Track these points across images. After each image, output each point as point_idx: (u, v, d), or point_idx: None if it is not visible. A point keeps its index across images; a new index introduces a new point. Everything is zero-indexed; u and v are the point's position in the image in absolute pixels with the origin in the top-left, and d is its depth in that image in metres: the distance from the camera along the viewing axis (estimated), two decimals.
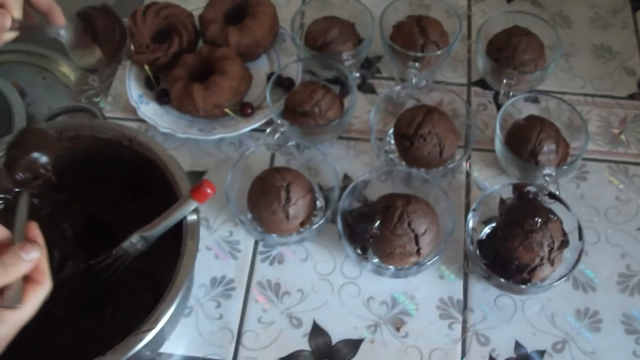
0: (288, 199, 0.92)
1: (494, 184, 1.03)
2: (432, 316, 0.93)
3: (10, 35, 0.73)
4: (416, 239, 0.89)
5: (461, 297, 0.95)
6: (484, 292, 0.95)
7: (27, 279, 0.64)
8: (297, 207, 0.93)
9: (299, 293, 0.95)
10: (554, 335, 0.92)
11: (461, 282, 0.96)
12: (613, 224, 1.00)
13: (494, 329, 0.93)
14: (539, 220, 0.89)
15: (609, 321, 0.93)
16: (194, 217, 0.85)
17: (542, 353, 0.91)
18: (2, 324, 0.60)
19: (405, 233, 0.88)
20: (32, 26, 0.78)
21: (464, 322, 0.93)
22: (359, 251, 0.93)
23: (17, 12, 0.71)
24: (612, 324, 0.93)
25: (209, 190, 0.84)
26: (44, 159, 0.77)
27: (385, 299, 0.95)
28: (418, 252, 0.89)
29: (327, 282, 0.96)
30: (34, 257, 0.63)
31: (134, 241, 0.87)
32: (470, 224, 0.93)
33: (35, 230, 0.67)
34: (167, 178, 0.89)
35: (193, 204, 0.84)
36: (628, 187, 1.03)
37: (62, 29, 0.81)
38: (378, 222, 0.90)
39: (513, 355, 0.91)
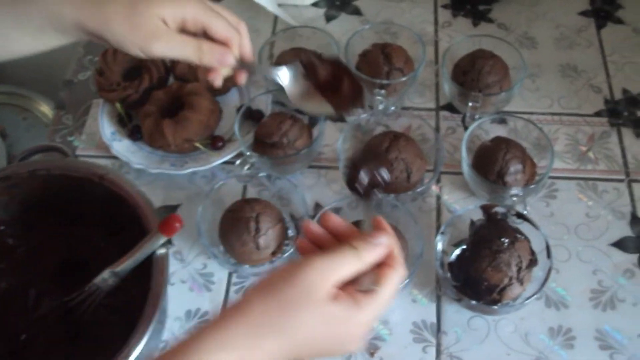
0: (258, 229, 0.93)
1: (464, 206, 1.04)
2: (406, 340, 0.94)
3: (227, 71, 0.76)
4: None
5: (434, 320, 0.95)
6: (457, 315, 0.95)
7: (381, 265, 0.63)
8: (267, 237, 0.94)
9: None
10: (528, 354, 0.92)
11: (434, 305, 0.96)
12: (584, 241, 1.01)
13: (468, 350, 0.93)
14: (506, 241, 0.89)
15: (583, 338, 0.93)
16: (163, 250, 0.86)
17: None
18: (362, 309, 0.59)
19: None
20: (250, 64, 0.79)
21: (438, 345, 0.93)
22: None
23: (236, 50, 0.74)
24: (585, 341, 0.93)
25: (176, 224, 0.85)
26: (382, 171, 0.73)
27: None
28: None
29: None
30: (383, 242, 0.63)
31: (105, 277, 0.88)
32: (439, 246, 0.94)
33: (383, 222, 0.66)
34: (137, 214, 0.90)
35: (162, 238, 0.85)
36: (597, 204, 1.04)
37: (280, 70, 0.80)
38: None
39: None
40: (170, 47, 0.70)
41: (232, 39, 0.73)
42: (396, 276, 0.63)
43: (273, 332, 0.57)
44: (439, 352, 0.93)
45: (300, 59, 0.80)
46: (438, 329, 0.94)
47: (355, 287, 0.61)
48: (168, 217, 0.85)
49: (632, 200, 1.04)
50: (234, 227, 0.94)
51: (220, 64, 0.73)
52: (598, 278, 0.98)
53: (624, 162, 1.08)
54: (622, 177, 1.07)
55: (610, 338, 0.93)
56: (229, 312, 0.59)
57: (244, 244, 0.93)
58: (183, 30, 0.71)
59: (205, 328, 0.58)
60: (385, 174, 0.71)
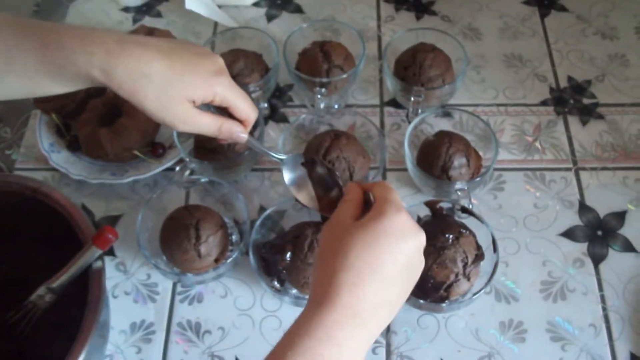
0: (198, 236, 0.91)
1: (410, 202, 1.02)
2: None
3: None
4: None
5: None
6: (406, 313, 0.93)
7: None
8: (209, 245, 0.91)
9: (220, 331, 0.93)
10: (479, 350, 0.91)
11: None
12: (532, 232, 1.00)
13: (418, 349, 0.91)
14: (450, 236, 0.88)
15: (534, 330, 0.92)
16: (99, 264, 0.83)
17: None
18: (384, 211, 0.66)
19: None
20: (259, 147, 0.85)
21: (388, 345, 0.91)
22: (276, 284, 0.92)
23: (249, 128, 0.82)
24: (537, 333, 0.92)
25: (110, 236, 0.82)
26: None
27: None
28: None
29: (248, 317, 0.94)
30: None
31: (41, 293, 0.85)
32: None
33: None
34: (72, 227, 0.87)
35: (96, 252, 0.82)
36: (545, 194, 1.03)
37: (284, 156, 0.85)
38: (289, 253, 0.89)
39: None
40: (194, 129, 0.77)
41: (250, 119, 0.81)
42: (378, 184, 0.70)
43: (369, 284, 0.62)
44: (389, 353, 0.91)
45: (304, 153, 0.90)
46: (387, 329, 0.92)
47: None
48: (101, 230, 0.82)
49: (580, 188, 1.03)
50: (174, 235, 0.92)
51: (233, 142, 0.81)
52: (548, 269, 0.97)
53: (570, 150, 1.07)
54: (570, 165, 1.06)
55: (562, 329, 0.92)
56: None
57: (185, 252, 0.91)
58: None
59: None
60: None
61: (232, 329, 0.93)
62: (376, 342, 0.91)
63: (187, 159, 0.98)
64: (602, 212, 1.01)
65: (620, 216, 1.01)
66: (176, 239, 0.91)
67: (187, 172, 0.99)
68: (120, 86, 0.71)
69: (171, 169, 1.04)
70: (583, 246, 0.98)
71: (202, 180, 1.00)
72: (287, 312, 0.94)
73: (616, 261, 0.97)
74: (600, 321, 0.93)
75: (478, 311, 0.93)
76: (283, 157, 0.85)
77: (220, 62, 0.78)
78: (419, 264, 0.66)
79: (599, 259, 0.97)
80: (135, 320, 0.95)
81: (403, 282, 0.64)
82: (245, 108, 0.79)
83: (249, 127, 0.82)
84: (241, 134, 0.81)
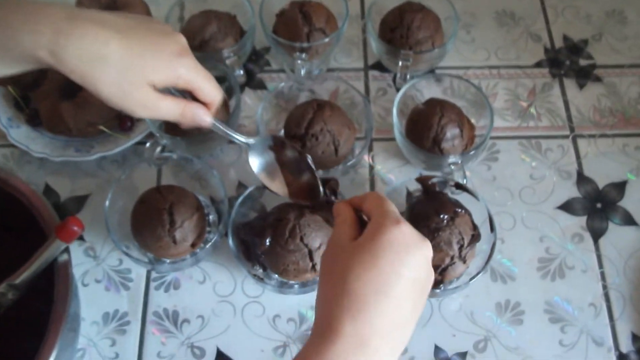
0: (172, 222, 0.84)
1: (399, 176, 0.96)
2: None
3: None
4: (310, 254, 0.81)
5: None
6: None
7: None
8: (184, 230, 0.84)
9: (199, 319, 0.87)
10: (475, 334, 0.86)
11: None
12: (529, 205, 0.94)
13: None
14: (445, 217, 0.82)
15: (532, 312, 0.87)
16: (64, 257, 0.76)
17: (463, 355, 0.85)
18: (383, 224, 0.61)
19: (297, 248, 0.81)
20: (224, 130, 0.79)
21: None
22: (257, 269, 0.85)
23: (214, 112, 0.77)
24: (535, 315, 0.87)
25: (75, 228, 0.75)
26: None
27: (292, 316, 0.87)
28: (313, 267, 0.82)
29: (229, 303, 0.88)
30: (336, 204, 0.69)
31: (3, 291, 0.77)
32: None
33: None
34: (34, 216, 0.80)
35: (61, 245, 0.75)
36: (542, 163, 0.97)
37: (251, 140, 0.80)
38: (269, 238, 0.82)
39: None
40: (155, 114, 0.71)
41: (215, 102, 0.76)
42: (369, 197, 0.64)
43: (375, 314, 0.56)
44: None
45: (273, 135, 0.83)
46: None
47: None
48: (65, 222, 0.75)
49: (578, 157, 0.98)
50: (146, 221, 0.84)
51: (197, 126, 0.76)
52: (545, 245, 0.91)
53: (567, 116, 1.01)
54: (567, 132, 1.00)
55: (561, 309, 0.87)
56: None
57: (159, 239, 0.84)
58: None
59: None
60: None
61: (212, 317, 0.87)
62: None
63: (158, 135, 0.90)
64: (601, 182, 0.96)
65: (620, 187, 0.95)
66: (149, 225, 0.84)
67: (159, 149, 0.91)
68: (72, 69, 0.64)
69: (141, 142, 0.96)
70: (582, 220, 0.93)
71: (175, 156, 0.93)
72: (271, 297, 0.88)
73: (616, 235, 0.92)
74: (600, 300, 0.88)
75: (473, 292, 0.88)
76: (250, 141, 0.79)
77: (183, 41, 0.72)
78: (429, 276, 0.60)
79: (599, 234, 0.92)
80: (108, 310, 0.89)
81: (413, 299, 0.58)
82: (210, 90, 0.74)
83: (214, 110, 0.77)
84: (206, 118, 0.75)
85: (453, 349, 0.85)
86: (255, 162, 0.81)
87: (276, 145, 0.81)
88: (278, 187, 0.81)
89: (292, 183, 0.81)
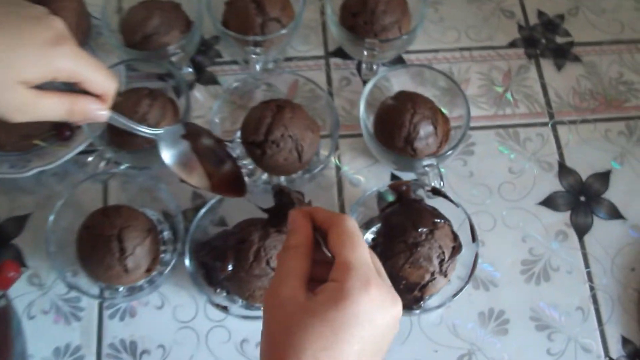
0: (122, 249, 0.75)
1: (368, 176, 0.88)
2: None
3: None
4: None
5: None
6: None
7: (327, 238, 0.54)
8: (136, 257, 0.76)
9: (160, 350, 0.80)
10: (458, 348, 0.80)
11: None
12: (509, 202, 0.88)
13: (390, 352, 0.78)
14: (424, 231, 0.75)
15: (517, 320, 0.82)
16: (3, 302, 0.68)
17: None
18: (345, 284, 0.50)
19: (264, 273, 0.73)
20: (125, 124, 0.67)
21: None
22: (221, 292, 0.78)
23: (110, 103, 0.64)
24: (520, 323, 0.82)
25: (11, 274, 0.67)
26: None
27: None
28: None
29: (191, 330, 0.81)
30: (292, 218, 0.57)
31: None
32: None
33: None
34: None
35: None
36: (521, 155, 0.90)
37: (159, 130, 0.69)
38: (231, 262, 0.74)
39: None
40: (35, 116, 0.59)
41: (109, 92, 0.63)
42: (336, 228, 0.53)
43: None
44: None
45: (184, 121, 0.72)
46: None
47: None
48: (1, 266, 0.66)
49: (559, 147, 0.91)
50: (92, 249, 0.76)
51: (91, 121, 0.64)
52: (528, 246, 0.85)
53: (546, 101, 0.94)
54: (546, 119, 0.93)
55: (547, 316, 0.82)
56: None
57: (109, 268, 0.75)
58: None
59: None
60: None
61: (174, 346, 0.80)
62: None
63: (100, 148, 0.81)
64: (585, 173, 0.90)
65: (604, 177, 0.89)
66: (96, 254, 0.75)
67: (103, 163, 0.81)
68: None
69: (84, 152, 0.86)
70: (565, 216, 0.87)
71: (122, 168, 0.83)
72: (236, 320, 0.80)
73: (602, 231, 0.87)
74: (588, 303, 0.83)
75: (454, 303, 0.80)
76: (158, 131, 0.68)
77: (60, 25, 0.59)
78: (392, 333, 0.52)
79: (584, 230, 0.86)
80: (59, 344, 0.80)
81: None
82: (101, 80, 0.62)
83: (110, 101, 0.64)
84: (100, 112, 0.63)
85: None
86: (167, 154, 0.70)
87: (190, 134, 0.70)
88: (198, 180, 0.71)
89: (214, 174, 0.71)
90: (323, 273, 0.51)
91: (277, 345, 0.49)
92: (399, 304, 0.51)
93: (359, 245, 0.51)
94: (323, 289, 0.49)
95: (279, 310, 0.50)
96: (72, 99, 0.61)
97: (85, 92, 0.61)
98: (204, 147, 0.70)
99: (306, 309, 0.48)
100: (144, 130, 0.67)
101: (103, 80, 0.62)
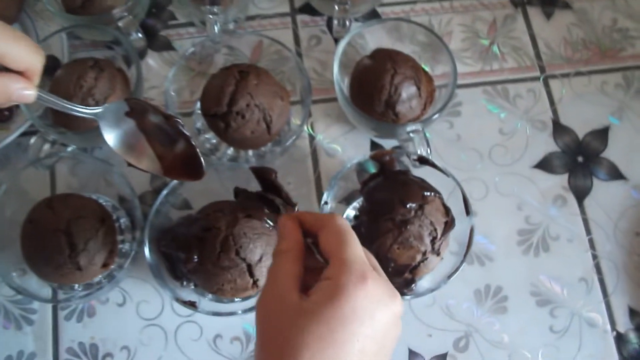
0: (72, 245, 0.66)
1: (345, 144, 0.80)
2: None
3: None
4: (249, 269, 0.65)
5: None
6: None
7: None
8: (89, 252, 0.67)
9: (124, 352, 0.71)
10: (453, 330, 0.73)
11: None
12: (501, 167, 0.80)
13: None
14: (412, 206, 0.66)
15: (516, 296, 0.75)
16: None
17: (443, 357, 0.73)
18: (339, 286, 0.47)
19: (233, 264, 0.64)
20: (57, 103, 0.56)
21: None
22: (189, 285, 0.69)
23: (38, 80, 0.54)
24: (520, 299, 0.75)
25: None
26: None
27: (237, 334, 0.72)
28: (255, 284, 0.66)
29: (158, 327, 0.72)
30: (282, 223, 0.54)
31: None
32: (327, 210, 0.70)
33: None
34: None
35: None
36: (512, 114, 0.82)
37: (97, 109, 0.59)
38: (195, 254, 0.65)
39: None
40: None
41: (34, 67, 0.53)
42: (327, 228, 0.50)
43: None
44: None
45: (128, 97, 0.61)
46: None
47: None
48: None
49: (552, 103, 0.83)
50: (38, 247, 0.66)
51: (16, 103, 0.54)
52: (525, 214, 0.78)
53: (535, 53, 0.86)
54: (537, 74, 0.85)
55: (548, 290, 0.75)
56: None
57: (58, 268, 0.66)
58: None
59: None
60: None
61: (140, 346, 0.72)
62: None
63: (42, 130, 0.71)
64: (581, 131, 0.82)
65: (602, 135, 0.82)
66: (42, 252, 0.66)
67: (47, 145, 0.72)
68: None
69: (27, 133, 0.76)
70: (563, 179, 0.80)
71: (68, 151, 0.74)
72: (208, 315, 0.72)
73: (602, 193, 0.79)
74: (591, 273, 0.76)
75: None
76: (97, 110, 0.59)
77: None
78: (395, 332, 0.49)
79: (583, 193, 0.79)
80: (10, 352, 0.72)
81: None
82: (22, 54, 0.52)
83: (36, 78, 0.54)
84: (25, 92, 0.54)
85: (430, 351, 0.73)
86: (110, 136, 0.60)
87: (135, 111, 0.61)
88: (147, 163, 0.62)
89: (165, 155, 0.63)
90: (316, 280, 0.48)
91: (273, 352, 0.45)
92: (398, 300, 0.48)
93: (351, 242, 0.48)
94: (317, 289, 0.46)
95: (272, 315, 0.47)
96: None
97: (5, 70, 0.51)
98: (151, 125, 0.61)
99: (300, 310, 0.45)
100: (80, 110, 0.57)
101: (25, 53, 0.52)
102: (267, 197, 0.62)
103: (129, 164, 0.60)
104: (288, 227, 0.52)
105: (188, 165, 0.62)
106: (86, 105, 0.58)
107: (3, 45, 0.50)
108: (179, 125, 0.60)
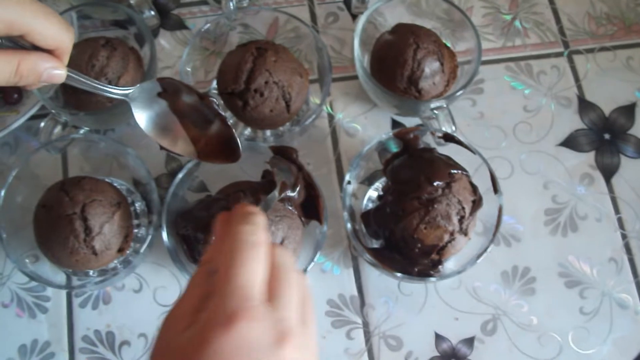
0: (88, 229, 0.63)
1: (366, 124, 0.78)
2: (322, 327, 0.70)
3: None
4: None
5: (355, 292, 0.71)
6: (382, 279, 0.72)
7: None
8: (104, 236, 0.64)
9: (142, 339, 0.69)
10: (481, 313, 0.71)
11: (351, 272, 0.72)
12: (527, 145, 0.77)
13: (405, 325, 0.70)
14: (439, 184, 0.64)
15: (544, 277, 0.73)
16: None
17: (470, 341, 0.70)
18: None
19: None
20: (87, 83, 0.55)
21: (366, 325, 0.70)
22: None
23: (67, 59, 0.52)
24: (548, 280, 0.73)
25: None
26: None
27: None
28: None
29: None
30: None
31: None
32: (349, 190, 0.68)
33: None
34: None
35: None
36: (536, 90, 0.80)
37: (129, 90, 0.57)
38: None
39: (436, 353, 0.70)
40: None
41: (63, 45, 0.51)
42: (225, 236, 0.43)
43: None
44: (368, 335, 0.70)
45: (161, 77, 0.60)
46: (362, 304, 0.71)
47: None
48: None
49: (577, 79, 0.81)
50: (52, 232, 0.64)
51: (46, 83, 0.51)
52: (551, 193, 0.75)
53: (559, 29, 0.83)
54: (560, 49, 0.82)
55: (577, 270, 0.73)
56: None
57: (74, 252, 0.64)
58: None
59: None
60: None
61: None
62: (349, 322, 0.70)
63: (53, 111, 0.68)
64: (607, 108, 0.79)
65: (628, 111, 0.79)
66: (57, 237, 0.64)
67: (58, 128, 0.69)
68: None
69: (37, 116, 0.74)
70: (589, 156, 0.77)
71: (80, 135, 0.71)
72: None
73: (631, 171, 0.77)
74: (620, 253, 0.74)
75: None
76: (129, 90, 0.57)
77: None
78: None
79: (611, 171, 0.77)
80: (24, 341, 0.70)
81: None
82: (52, 31, 0.50)
83: (66, 57, 0.52)
84: (55, 71, 0.51)
85: (457, 335, 0.70)
86: (141, 118, 0.59)
87: (168, 91, 0.59)
88: (181, 146, 0.61)
89: (199, 138, 0.61)
90: None
91: None
92: (288, 347, 0.38)
93: (235, 266, 0.40)
94: (196, 322, 0.39)
95: (157, 340, 0.41)
96: (19, 57, 0.49)
97: (35, 48, 0.49)
98: (185, 106, 0.59)
99: (172, 344, 0.39)
100: (111, 90, 0.55)
101: (56, 30, 0.50)
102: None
103: (162, 148, 0.58)
104: (216, 231, 0.46)
105: (223, 148, 0.60)
106: None
107: (33, 22, 0.47)
108: (215, 105, 0.58)
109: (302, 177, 0.66)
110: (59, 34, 0.50)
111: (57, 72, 0.51)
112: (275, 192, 0.62)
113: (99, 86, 0.54)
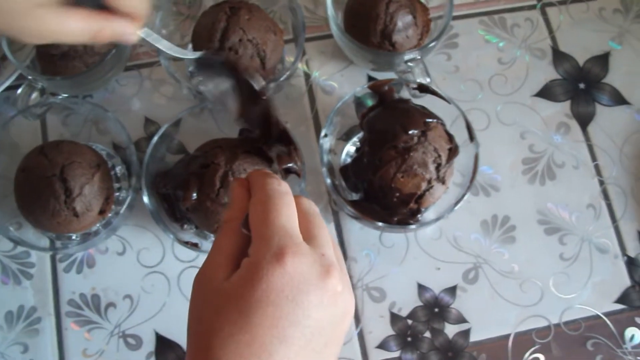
0: (68, 190, 0.64)
1: (342, 81, 0.78)
2: None
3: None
4: None
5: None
6: (363, 232, 0.72)
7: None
8: (85, 197, 0.65)
9: (127, 301, 0.70)
10: (462, 262, 0.72)
11: (332, 227, 0.73)
12: (502, 97, 0.78)
13: (387, 276, 0.71)
14: (415, 133, 0.65)
15: (524, 225, 0.74)
16: None
17: (452, 290, 0.71)
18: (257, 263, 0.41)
19: None
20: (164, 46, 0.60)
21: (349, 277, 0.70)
22: (189, 227, 0.68)
23: (143, 21, 0.55)
24: (528, 228, 0.74)
25: None
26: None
27: None
28: None
29: (160, 274, 0.71)
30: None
31: None
32: (326, 145, 0.68)
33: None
34: None
35: None
36: (510, 43, 0.80)
37: (198, 55, 0.62)
38: (195, 190, 0.64)
39: (419, 302, 0.71)
40: (59, 39, 0.50)
41: (139, 9, 0.53)
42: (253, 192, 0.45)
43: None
44: (352, 287, 0.70)
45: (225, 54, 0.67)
46: (344, 257, 0.71)
47: None
48: None
49: (550, 31, 0.81)
50: (33, 195, 0.64)
51: (121, 42, 0.55)
52: (528, 142, 0.76)
53: None
54: (533, 2, 0.83)
55: (556, 217, 0.74)
56: None
57: (55, 215, 0.64)
58: None
59: None
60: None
61: (143, 294, 0.70)
62: None
63: (30, 77, 0.69)
64: (581, 58, 0.80)
65: (602, 60, 0.80)
66: (37, 199, 0.64)
67: (35, 94, 0.70)
68: None
69: (14, 86, 0.74)
70: (565, 106, 0.78)
71: (58, 100, 0.72)
72: None
73: (606, 119, 0.78)
74: (598, 199, 0.75)
75: (453, 213, 0.71)
76: (197, 55, 0.61)
77: None
78: (333, 317, 0.41)
79: (587, 120, 0.78)
80: (10, 308, 0.70)
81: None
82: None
83: (141, 22, 0.55)
84: (132, 37, 0.54)
85: (439, 284, 0.71)
86: (204, 83, 0.64)
87: (227, 63, 0.63)
88: (230, 105, 0.64)
89: (248, 109, 0.63)
90: None
91: (193, 331, 0.42)
92: (332, 280, 0.41)
93: (275, 212, 0.42)
94: (240, 267, 0.41)
95: (198, 293, 0.43)
96: (102, 21, 0.51)
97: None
98: (238, 81, 0.63)
99: (219, 291, 0.41)
100: (185, 53, 0.61)
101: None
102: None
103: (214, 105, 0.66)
104: (235, 193, 0.47)
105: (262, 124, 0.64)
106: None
107: None
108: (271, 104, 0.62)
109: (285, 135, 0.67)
110: (139, 2, 0.53)
111: (134, 36, 0.54)
112: (275, 166, 0.64)
113: (168, 47, 0.59)
